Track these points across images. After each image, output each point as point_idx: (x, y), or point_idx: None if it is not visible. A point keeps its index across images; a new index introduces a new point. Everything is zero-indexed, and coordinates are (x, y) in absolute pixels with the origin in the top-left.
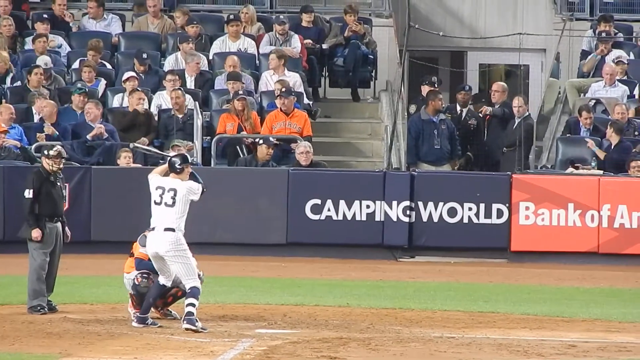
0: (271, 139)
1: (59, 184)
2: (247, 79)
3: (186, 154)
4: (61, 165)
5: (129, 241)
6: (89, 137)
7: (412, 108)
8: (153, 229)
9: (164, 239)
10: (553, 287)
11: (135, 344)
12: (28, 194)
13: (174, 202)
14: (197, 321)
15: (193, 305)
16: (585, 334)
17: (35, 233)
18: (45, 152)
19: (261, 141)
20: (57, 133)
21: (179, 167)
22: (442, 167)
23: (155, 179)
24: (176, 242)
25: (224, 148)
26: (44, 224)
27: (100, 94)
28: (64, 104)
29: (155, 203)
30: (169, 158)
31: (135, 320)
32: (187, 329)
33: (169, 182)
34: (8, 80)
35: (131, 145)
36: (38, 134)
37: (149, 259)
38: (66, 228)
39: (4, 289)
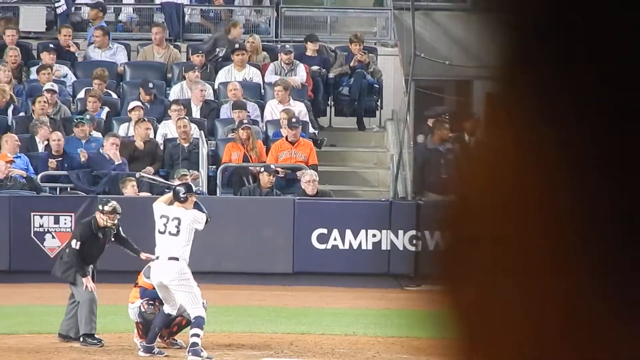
0: (272, 166)
1: (102, 237)
2: (252, 107)
3: (190, 183)
4: (116, 221)
5: (134, 270)
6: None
7: (421, 138)
8: (157, 258)
9: (168, 268)
10: None
11: None
12: (75, 244)
13: (178, 231)
14: (202, 351)
15: (197, 335)
16: None
17: (87, 282)
18: (100, 207)
19: (262, 169)
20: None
21: (183, 196)
22: None
23: (160, 207)
24: (180, 272)
25: (230, 177)
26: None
27: (103, 122)
28: (69, 133)
29: (160, 232)
30: (173, 187)
31: (142, 349)
32: None
33: (173, 211)
34: (10, 111)
35: (137, 174)
36: (50, 160)
37: (153, 288)
38: (142, 253)
39: (11, 319)
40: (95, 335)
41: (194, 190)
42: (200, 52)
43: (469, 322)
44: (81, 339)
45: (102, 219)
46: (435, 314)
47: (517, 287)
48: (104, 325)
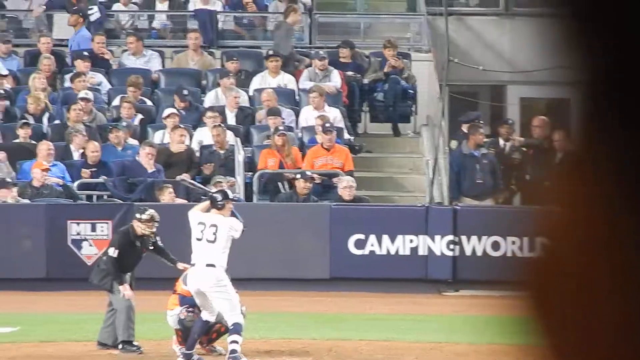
0: (308, 172)
1: (140, 245)
2: (287, 114)
3: (227, 190)
4: (154, 229)
5: (172, 277)
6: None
7: (453, 144)
8: (194, 265)
9: (205, 275)
10: None
11: None
12: (113, 252)
13: (215, 238)
14: (241, 357)
15: (236, 342)
16: None
17: (125, 290)
18: (138, 215)
19: (299, 175)
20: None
21: (220, 203)
22: (485, 201)
23: (197, 215)
24: (217, 278)
25: (266, 184)
26: None
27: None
28: (105, 141)
29: (197, 239)
30: (210, 194)
31: (181, 356)
32: None
33: (210, 218)
34: (45, 119)
35: (178, 177)
36: (83, 170)
37: (192, 296)
38: (179, 263)
39: (48, 326)
40: (134, 342)
41: (230, 197)
42: (235, 58)
43: (556, 329)
44: (120, 346)
45: (139, 227)
46: (518, 320)
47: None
48: (143, 333)
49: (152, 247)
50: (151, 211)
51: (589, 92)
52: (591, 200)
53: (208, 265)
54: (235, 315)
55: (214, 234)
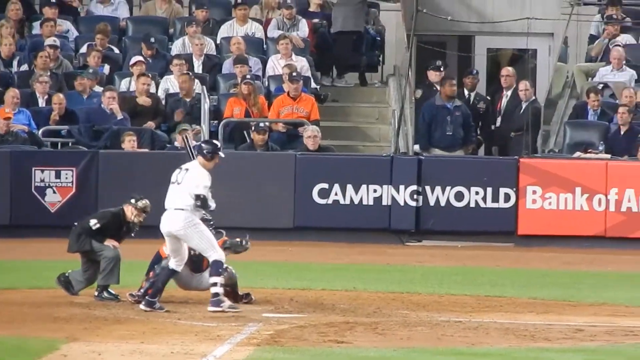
0: (261, 124)
1: (125, 231)
2: (254, 63)
3: (218, 143)
4: (142, 219)
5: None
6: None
7: (418, 93)
8: (167, 210)
9: (175, 216)
10: (560, 271)
11: (141, 329)
12: (94, 225)
13: (182, 180)
14: (223, 301)
15: (216, 284)
16: (592, 318)
17: (109, 242)
18: (133, 201)
19: (252, 127)
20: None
21: (208, 153)
22: (455, 153)
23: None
24: (187, 218)
25: (231, 132)
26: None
27: (105, 77)
28: (71, 88)
29: (171, 182)
30: (200, 142)
31: (144, 303)
32: (213, 311)
33: (188, 163)
34: (15, 63)
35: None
36: (53, 114)
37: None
38: None
39: (11, 274)
40: (111, 290)
41: (219, 154)
42: (205, 7)
43: None
44: (96, 293)
45: (130, 212)
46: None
47: None
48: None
49: (132, 235)
50: (146, 201)
51: None
52: None
53: (177, 209)
54: (214, 253)
55: (183, 176)
